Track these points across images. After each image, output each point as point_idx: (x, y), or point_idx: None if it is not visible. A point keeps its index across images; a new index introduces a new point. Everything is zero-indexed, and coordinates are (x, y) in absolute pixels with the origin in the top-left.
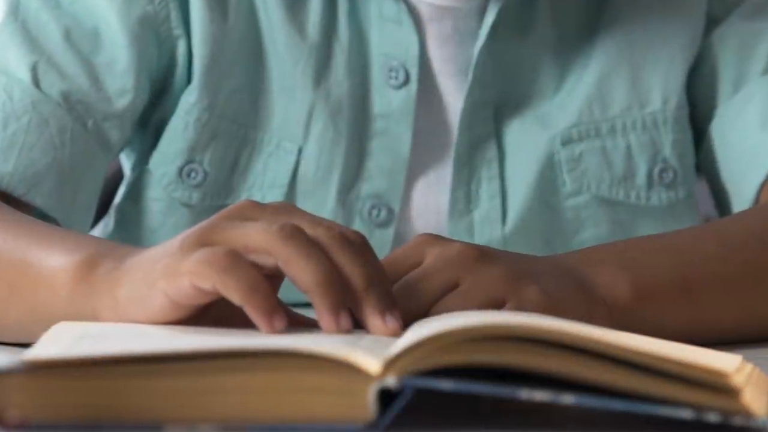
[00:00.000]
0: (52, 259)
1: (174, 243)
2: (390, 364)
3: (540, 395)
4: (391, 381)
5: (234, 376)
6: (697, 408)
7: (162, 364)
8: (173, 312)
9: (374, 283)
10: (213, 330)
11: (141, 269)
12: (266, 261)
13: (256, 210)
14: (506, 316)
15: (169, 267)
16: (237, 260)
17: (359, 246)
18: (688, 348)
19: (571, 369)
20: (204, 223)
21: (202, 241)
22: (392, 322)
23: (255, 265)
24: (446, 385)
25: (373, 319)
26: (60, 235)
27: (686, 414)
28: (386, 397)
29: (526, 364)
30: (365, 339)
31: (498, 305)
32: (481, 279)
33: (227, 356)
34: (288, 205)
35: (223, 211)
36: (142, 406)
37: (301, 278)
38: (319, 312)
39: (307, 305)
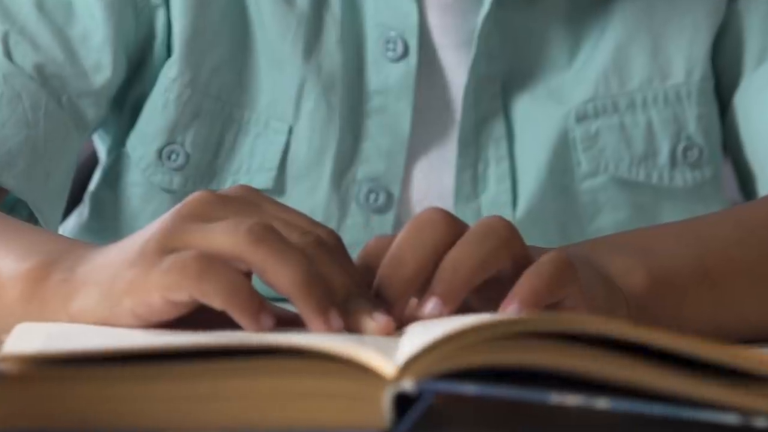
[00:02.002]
0: (2, 264)
1: (132, 249)
2: (407, 366)
3: (572, 399)
4: (408, 385)
5: (235, 380)
6: (744, 412)
7: (156, 366)
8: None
9: (356, 286)
10: (199, 333)
11: (97, 281)
12: (237, 266)
13: (218, 206)
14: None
15: (133, 283)
16: (210, 263)
17: (335, 249)
18: (727, 346)
19: (605, 370)
20: (162, 225)
21: (165, 248)
22: (383, 318)
23: (228, 265)
24: (469, 388)
25: (365, 318)
26: (13, 234)
27: (732, 419)
28: (403, 402)
29: (559, 365)
30: (367, 338)
31: None
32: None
33: (228, 357)
34: (253, 197)
35: (181, 208)
36: (135, 414)
37: (279, 282)
38: (305, 314)
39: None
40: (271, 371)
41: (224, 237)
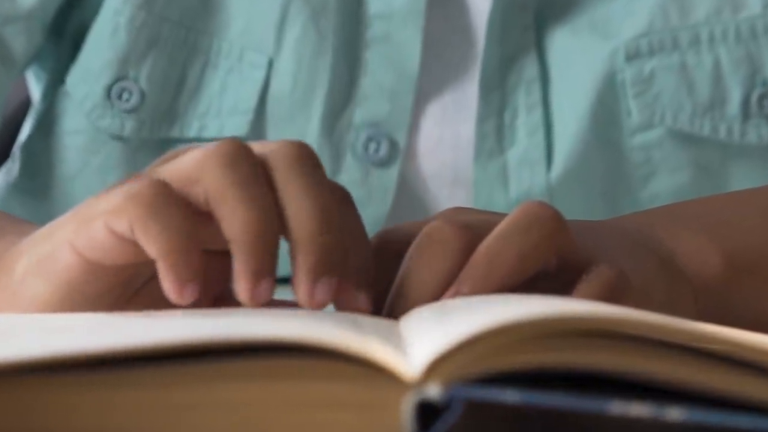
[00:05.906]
0: None
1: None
2: (433, 367)
3: (637, 409)
4: (434, 391)
5: (224, 385)
6: None
7: (126, 370)
8: (84, 276)
9: (331, 230)
10: (162, 315)
11: (48, 231)
12: (196, 194)
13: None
14: (580, 305)
15: (78, 212)
16: (165, 196)
17: (341, 193)
18: None
19: (681, 373)
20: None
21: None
22: (363, 300)
23: (189, 206)
24: (510, 396)
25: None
26: None
27: None
28: (426, 410)
29: (625, 367)
30: (363, 321)
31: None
32: None
33: (211, 355)
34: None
35: (169, 154)
36: (99, 428)
37: (226, 222)
38: (239, 274)
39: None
40: (262, 374)
41: (192, 157)
